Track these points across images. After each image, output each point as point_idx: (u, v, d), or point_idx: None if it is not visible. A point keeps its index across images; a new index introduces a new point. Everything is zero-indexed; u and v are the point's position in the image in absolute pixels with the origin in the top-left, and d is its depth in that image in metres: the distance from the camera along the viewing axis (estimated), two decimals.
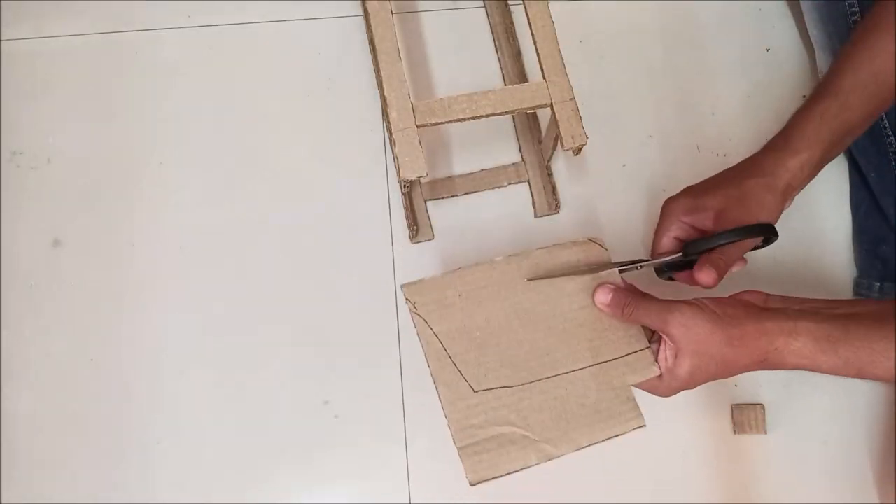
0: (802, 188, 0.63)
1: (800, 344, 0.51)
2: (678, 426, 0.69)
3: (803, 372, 0.62)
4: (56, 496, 0.64)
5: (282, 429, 0.67)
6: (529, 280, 0.58)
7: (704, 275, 0.57)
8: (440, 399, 0.56)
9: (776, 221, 0.61)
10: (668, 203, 0.63)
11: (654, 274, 0.65)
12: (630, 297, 0.56)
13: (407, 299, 0.57)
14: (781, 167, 0.61)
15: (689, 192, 0.63)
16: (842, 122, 0.60)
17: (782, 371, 0.70)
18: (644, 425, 0.55)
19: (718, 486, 0.68)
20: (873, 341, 0.51)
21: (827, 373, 0.52)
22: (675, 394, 0.56)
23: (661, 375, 0.55)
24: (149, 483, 0.65)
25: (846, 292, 0.74)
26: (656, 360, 0.56)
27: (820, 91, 0.62)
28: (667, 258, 0.61)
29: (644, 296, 0.57)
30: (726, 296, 0.56)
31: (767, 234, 0.59)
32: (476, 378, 0.56)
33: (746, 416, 0.68)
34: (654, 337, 0.57)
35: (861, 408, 0.70)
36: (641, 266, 0.61)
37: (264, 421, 0.67)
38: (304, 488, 0.66)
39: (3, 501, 0.64)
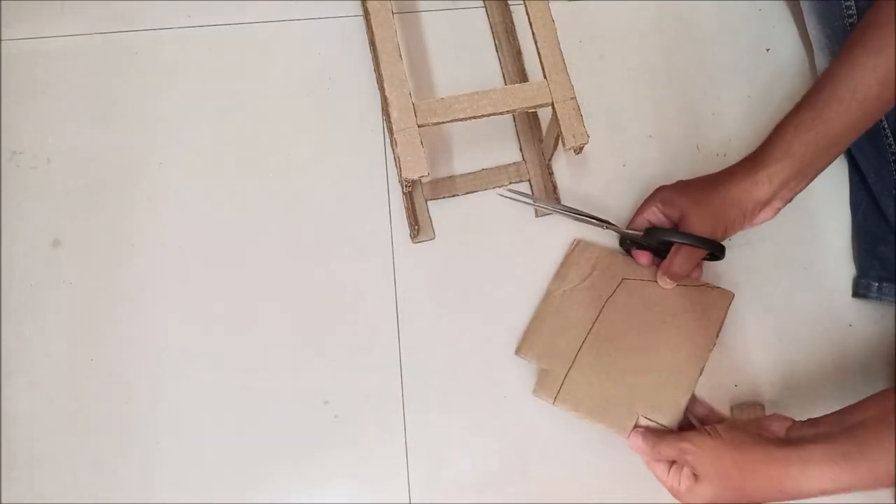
0: (786, 199, 0.64)
1: (814, 469, 0.51)
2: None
3: (803, 372, 0.63)
4: (56, 496, 0.64)
5: (282, 429, 0.67)
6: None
7: (642, 256, 0.69)
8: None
9: (739, 230, 0.66)
10: (657, 189, 0.68)
11: (618, 243, 0.72)
12: (656, 436, 0.60)
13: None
14: (749, 181, 0.63)
15: (676, 185, 0.68)
16: (817, 135, 0.60)
17: (783, 371, 0.70)
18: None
19: None
20: (890, 449, 0.49)
21: (852, 490, 0.51)
22: None
23: (681, 492, 0.58)
24: (149, 483, 0.65)
25: (846, 292, 0.74)
26: (680, 476, 0.58)
27: (798, 104, 0.63)
28: (629, 232, 0.68)
29: (664, 433, 0.61)
30: (756, 419, 0.60)
31: (713, 250, 0.66)
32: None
33: (746, 416, 0.68)
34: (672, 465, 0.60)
35: None
36: (607, 227, 0.70)
37: (264, 421, 0.67)
38: (304, 488, 0.65)
39: (3, 501, 0.63)
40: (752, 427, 0.56)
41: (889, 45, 0.57)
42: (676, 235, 0.65)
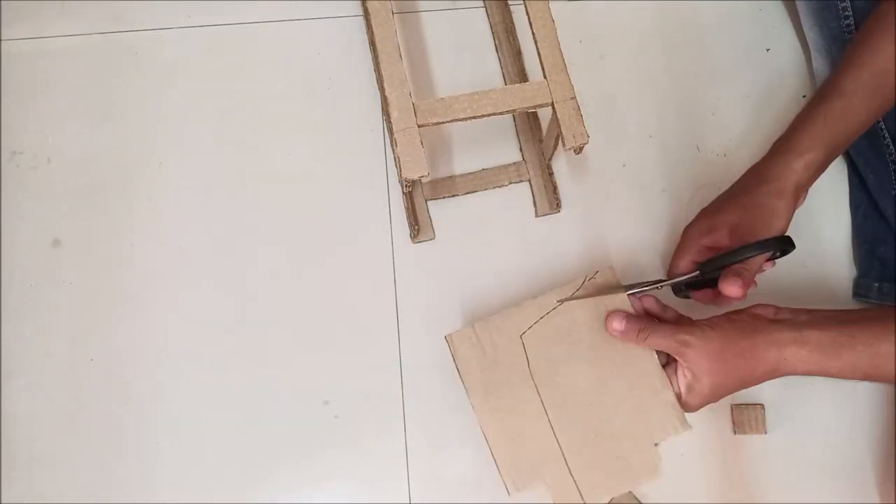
0: (810, 186, 0.64)
1: (806, 352, 0.54)
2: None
3: (790, 375, 0.62)
4: (56, 496, 0.64)
5: (282, 429, 0.67)
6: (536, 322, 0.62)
7: (730, 287, 0.58)
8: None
9: (788, 225, 0.62)
10: (687, 229, 0.65)
11: (672, 294, 0.67)
12: (643, 321, 0.59)
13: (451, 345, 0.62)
14: (787, 170, 0.61)
15: (703, 214, 0.65)
16: (845, 123, 0.61)
17: None
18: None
19: (718, 486, 0.68)
20: (877, 345, 0.53)
21: (835, 376, 0.55)
22: (700, 408, 0.58)
23: (681, 394, 0.58)
24: (149, 483, 0.65)
25: (846, 292, 0.74)
26: (676, 379, 0.58)
27: (823, 92, 0.63)
28: (684, 277, 0.63)
29: (656, 320, 0.60)
30: (738, 309, 0.58)
31: (783, 246, 0.60)
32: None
33: (746, 416, 0.68)
34: (669, 358, 0.60)
35: (861, 408, 0.70)
36: (662, 286, 0.63)
37: (264, 421, 0.67)
38: (304, 488, 0.65)
39: (3, 501, 0.63)
40: (742, 315, 0.57)
41: None
42: (740, 253, 0.59)
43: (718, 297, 0.62)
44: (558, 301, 0.62)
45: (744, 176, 0.65)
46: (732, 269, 0.59)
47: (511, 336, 0.62)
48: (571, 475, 0.59)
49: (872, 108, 0.61)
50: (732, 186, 0.66)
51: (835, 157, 0.63)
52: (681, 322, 0.60)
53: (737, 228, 0.61)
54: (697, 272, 0.62)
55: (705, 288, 0.64)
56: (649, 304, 0.62)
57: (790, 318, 0.57)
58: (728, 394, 0.57)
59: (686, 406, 0.59)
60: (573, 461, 0.59)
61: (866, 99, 0.60)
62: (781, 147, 0.63)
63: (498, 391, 0.60)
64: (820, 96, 0.63)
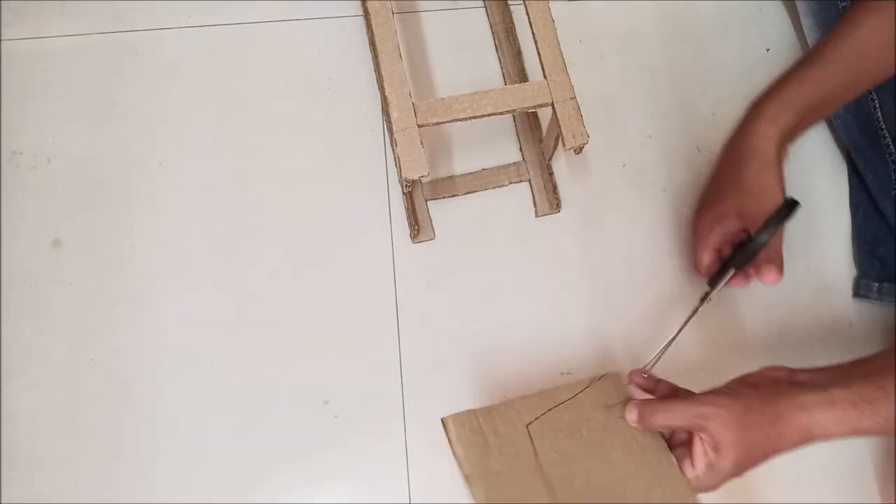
0: (790, 145, 0.64)
1: (840, 412, 0.51)
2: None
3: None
4: (56, 496, 0.64)
5: (282, 429, 0.67)
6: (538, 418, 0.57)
7: (769, 275, 0.61)
8: None
9: (784, 186, 0.62)
10: (697, 226, 0.65)
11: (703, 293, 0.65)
12: (655, 405, 0.55)
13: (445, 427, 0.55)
14: (764, 140, 0.62)
15: (706, 205, 0.66)
16: (819, 89, 0.61)
17: None
18: None
19: None
20: None
21: (873, 434, 0.52)
22: (721, 486, 0.54)
23: (700, 477, 0.54)
24: (149, 483, 0.65)
25: (846, 292, 0.74)
26: (692, 458, 0.54)
27: (801, 60, 0.63)
28: (724, 280, 0.63)
29: (668, 400, 0.56)
30: (751, 373, 0.56)
31: (791, 210, 0.60)
32: None
33: None
34: (675, 447, 0.56)
35: None
36: (710, 299, 0.63)
37: (264, 421, 0.67)
38: (304, 488, 0.65)
39: (3, 501, 0.63)
40: (760, 380, 0.54)
41: (890, 6, 0.58)
42: (761, 237, 0.59)
43: (749, 278, 0.63)
44: (566, 398, 0.58)
45: (726, 151, 0.65)
46: (764, 258, 0.60)
47: (516, 425, 0.55)
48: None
49: (849, 79, 0.61)
50: (719, 167, 0.66)
51: (811, 123, 0.63)
52: (681, 394, 0.57)
53: (741, 213, 0.62)
54: (733, 271, 0.63)
55: (735, 276, 0.64)
56: (639, 382, 0.60)
57: (810, 379, 0.53)
58: (753, 467, 0.53)
59: (705, 487, 0.54)
60: None
61: (843, 70, 0.60)
62: (753, 115, 0.64)
63: (502, 483, 0.52)
64: (797, 63, 0.64)
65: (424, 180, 0.71)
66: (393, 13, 0.61)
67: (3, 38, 0.75)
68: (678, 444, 0.56)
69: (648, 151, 0.76)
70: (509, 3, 0.79)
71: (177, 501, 0.64)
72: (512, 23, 0.78)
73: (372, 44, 0.75)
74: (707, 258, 0.64)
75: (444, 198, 0.73)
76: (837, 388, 0.51)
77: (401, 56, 0.60)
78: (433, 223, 0.72)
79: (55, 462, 0.65)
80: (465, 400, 0.68)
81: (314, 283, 0.70)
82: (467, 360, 0.69)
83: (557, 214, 0.73)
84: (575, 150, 0.61)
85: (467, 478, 0.52)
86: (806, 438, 0.52)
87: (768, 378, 0.54)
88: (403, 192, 0.69)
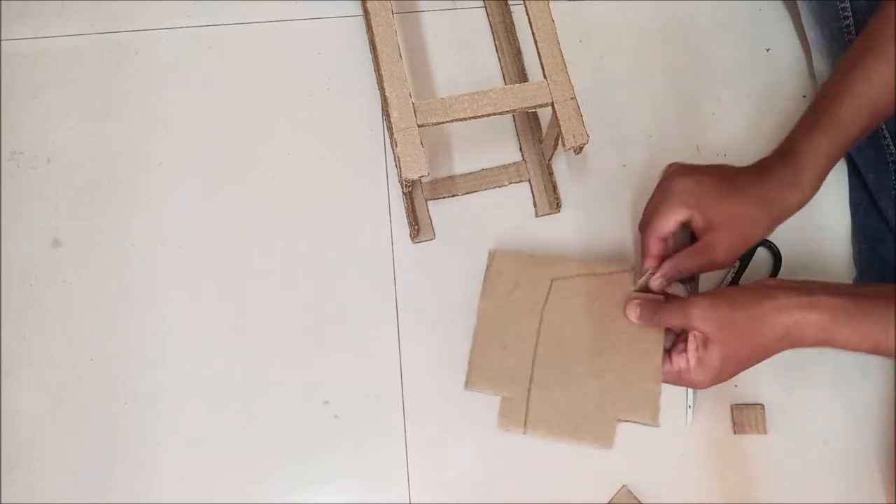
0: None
1: (816, 316, 0.53)
2: (678, 426, 0.69)
3: (803, 371, 0.63)
4: (56, 496, 0.64)
5: (282, 429, 0.67)
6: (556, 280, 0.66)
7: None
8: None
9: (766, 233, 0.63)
10: (675, 185, 0.62)
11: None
12: (655, 304, 0.60)
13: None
14: (788, 201, 0.61)
15: (696, 180, 0.62)
16: (842, 149, 0.60)
17: (783, 371, 0.70)
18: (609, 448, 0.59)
19: (718, 486, 0.68)
20: (888, 316, 0.52)
21: (842, 347, 0.54)
22: (711, 385, 0.58)
23: (690, 369, 0.58)
24: (148, 483, 0.65)
25: None
26: (687, 352, 0.58)
27: (821, 121, 0.60)
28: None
29: (665, 299, 0.61)
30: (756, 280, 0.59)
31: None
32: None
33: (746, 416, 0.68)
34: (681, 335, 0.60)
35: (862, 407, 0.70)
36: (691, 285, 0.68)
37: (264, 421, 0.67)
38: (303, 488, 0.65)
39: (3, 501, 0.63)
40: (749, 284, 0.58)
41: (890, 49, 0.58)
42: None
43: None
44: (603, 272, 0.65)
45: (744, 175, 0.62)
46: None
47: (543, 277, 0.65)
48: (527, 402, 0.60)
49: (867, 128, 0.60)
50: (728, 184, 0.62)
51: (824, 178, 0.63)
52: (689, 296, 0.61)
53: (714, 236, 0.61)
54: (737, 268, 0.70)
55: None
56: (656, 285, 0.62)
57: (799, 286, 0.56)
58: (739, 367, 0.56)
59: (695, 383, 0.58)
60: (535, 393, 0.61)
61: (862, 124, 0.60)
62: (786, 177, 0.61)
63: (506, 309, 0.64)
64: (819, 125, 0.60)
65: (424, 180, 0.71)
66: (393, 13, 0.61)
67: (3, 38, 0.75)
68: (681, 339, 0.60)
69: (648, 151, 0.76)
70: (509, 3, 0.79)
71: (177, 501, 0.64)
72: (512, 23, 0.78)
73: (372, 44, 0.75)
74: (666, 225, 0.62)
75: (444, 198, 0.73)
76: (823, 296, 0.54)
77: (401, 56, 0.60)
78: (433, 223, 0.72)
79: (55, 462, 0.65)
80: (465, 399, 0.68)
81: (314, 283, 0.70)
82: (468, 360, 0.68)
83: (557, 214, 0.73)
84: (575, 150, 0.61)
85: (483, 294, 0.66)
86: (784, 338, 0.55)
87: (759, 284, 0.57)
88: (403, 192, 0.69)
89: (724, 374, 0.57)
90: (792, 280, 0.58)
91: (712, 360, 0.56)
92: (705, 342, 0.56)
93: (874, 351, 0.54)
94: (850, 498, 0.68)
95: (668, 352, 0.60)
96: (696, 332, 0.56)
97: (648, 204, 0.64)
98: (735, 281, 0.72)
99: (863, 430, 0.69)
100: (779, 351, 0.56)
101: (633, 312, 0.61)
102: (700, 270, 0.62)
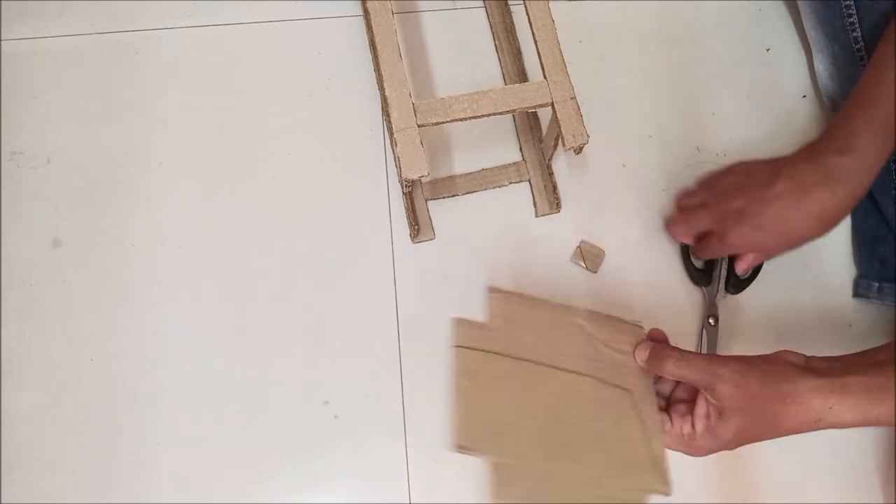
0: None
1: (853, 399, 0.51)
2: None
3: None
4: (56, 496, 0.64)
5: (282, 429, 0.67)
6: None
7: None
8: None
9: None
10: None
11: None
12: (672, 350, 0.55)
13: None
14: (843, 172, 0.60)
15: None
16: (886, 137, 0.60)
17: None
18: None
19: (719, 485, 0.68)
20: None
21: (886, 424, 0.52)
22: (709, 454, 0.54)
23: (696, 436, 0.54)
24: (148, 483, 0.65)
25: (846, 292, 0.74)
26: (693, 416, 0.54)
27: (865, 98, 0.60)
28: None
29: (684, 351, 0.55)
30: (766, 354, 0.55)
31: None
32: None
33: None
34: (673, 405, 0.56)
35: None
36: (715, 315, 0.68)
37: (264, 421, 0.67)
38: (304, 488, 0.65)
39: (3, 501, 0.63)
40: (776, 358, 0.53)
41: None
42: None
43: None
44: (584, 321, 0.59)
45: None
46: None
47: (529, 323, 0.58)
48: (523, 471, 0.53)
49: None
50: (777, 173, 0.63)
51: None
52: (715, 354, 0.58)
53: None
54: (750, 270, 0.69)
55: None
56: (659, 336, 0.59)
57: (825, 366, 0.53)
58: (751, 441, 0.53)
59: (695, 449, 0.55)
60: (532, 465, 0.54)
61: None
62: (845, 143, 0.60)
63: (499, 364, 0.56)
64: (863, 102, 0.60)
65: (424, 180, 0.71)
66: (393, 13, 0.61)
67: (3, 38, 0.75)
68: (676, 401, 0.56)
69: (648, 151, 0.76)
70: (509, 3, 0.79)
71: (177, 501, 0.64)
72: (512, 23, 0.78)
73: (372, 44, 0.75)
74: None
75: (444, 198, 0.73)
76: (852, 377, 0.51)
77: (401, 56, 0.60)
78: (433, 223, 0.72)
79: (55, 462, 0.65)
80: None
81: (314, 283, 0.70)
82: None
83: (557, 214, 0.73)
84: (575, 150, 0.61)
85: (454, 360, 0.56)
86: (814, 423, 0.51)
87: (784, 360, 0.54)
88: (403, 192, 0.69)
89: (732, 445, 0.53)
90: (815, 357, 0.54)
91: (726, 433, 0.52)
92: (721, 410, 0.52)
93: None
94: (850, 498, 0.68)
95: (665, 410, 0.56)
96: (712, 397, 0.52)
97: None
98: (729, 275, 0.71)
99: (863, 431, 0.69)
100: (808, 431, 0.52)
101: (642, 354, 0.56)
102: None
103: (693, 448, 0.55)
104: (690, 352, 0.55)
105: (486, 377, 0.55)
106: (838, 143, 0.61)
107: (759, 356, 0.54)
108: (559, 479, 0.53)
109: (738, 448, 0.54)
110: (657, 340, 0.59)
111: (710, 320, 0.70)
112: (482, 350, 0.56)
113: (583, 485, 0.54)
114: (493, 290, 0.58)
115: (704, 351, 0.70)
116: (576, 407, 0.56)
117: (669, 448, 0.56)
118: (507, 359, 0.56)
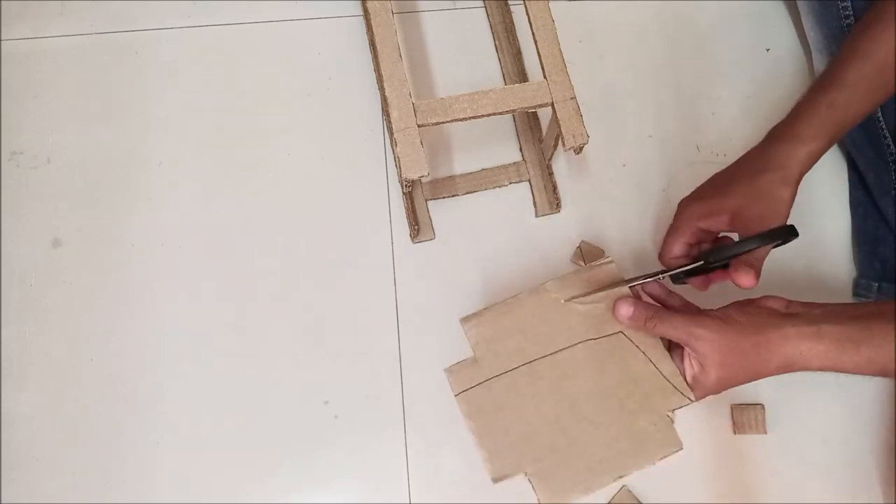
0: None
1: (823, 347, 0.53)
2: (678, 426, 0.68)
3: (803, 372, 0.62)
4: (56, 496, 0.64)
5: (282, 429, 0.67)
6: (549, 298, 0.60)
7: (744, 278, 0.58)
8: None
9: (789, 213, 0.61)
10: (683, 209, 0.63)
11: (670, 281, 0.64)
12: (652, 309, 0.57)
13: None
14: (793, 159, 0.60)
15: (701, 195, 0.63)
16: (847, 113, 0.60)
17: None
18: (681, 448, 0.57)
19: (718, 486, 0.68)
20: (891, 343, 0.52)
21: (851, 372, 0.53)
22: (702, 398, 0.57)
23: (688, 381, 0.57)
24: (148, 483, 0.65)
25: (846, 292, 0.74)
26: (682, 367, 0.57)
27: (825, 82, 0.62)
28: (688, 266, 0.61)
29: (665, 309, 0.58)
30: (748, 299, 0.57)
31: (789, 236, 0.59)
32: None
33: (746, 416, 0.68)
34: (673, 347, 0.59)
35: (862, 407, 0.70)
36: (664, 277, 0.61)
37: (264, 421, 0.67)
38: (304, 488, 0.65)
39: (3, 501, 0.63)
40: (754, 308, 0.56)
41: None
42: (747, 244, 0.58)
43: (710, 283, 0.63)
44: (564, 300, 0.60)
45: (742, 161, 0.64)
46: (744, 260, 0.59)
47: (508, 330, 0.59)
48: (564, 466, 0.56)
49: (874, 99, 0.61)
50: (729, 171, 0.64)
51: (831, 146, 0.63)
52: (689, 310, 0.60)
53: (739, 215, 0.60)
54: (701, 262, 0.60)
55: (701, 274, 0.63)
56: (653, 289, 0.61)
57: (803, 311, 0.55)
58: (733, 386, 0.56)
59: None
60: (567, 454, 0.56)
61: (868, 91, 0.60)
62: (784, 134, 0.62)
63: (490, 385, 0.58)
64: (821, 86, 0.62)
65: (424, 180, 0.71)
66: (393, 13, 0.61)
67: (2, 38, 0.75)
68: (675, 346, 0.59)
69: (648, 151, 0.76)
70: (509, 3, 0.79)
71: (177, 501, 0.64)
72: (512, 23, 0.78)
73: (372, 44, 0.75)
74: (676, 248, 0.63)
75: (444, 198, 0.73)
76: (828, 324, 0.53)
77: (401, 56, 0.60)
78: (433, 223, 0.72)
79: (55, 462, 0.65)
80: None
81: (314, 283, 0.70)
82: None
83: (557, 214, 0.73)
84: (575, 150, 0.61)
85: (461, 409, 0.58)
86: (787, 367, 0.54)
87: (764, 306, 0.56)
88: (403, 192, 0.69)
89: (717, 391, 0.56)
90: (796, 302, 0.56)
91: (707, 381, 0.55)
92: (702, 363, 0.55)
93: (880, 374, 0.53)
94: (849, 498, 0.68)
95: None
96: (694, 352, 0.55)
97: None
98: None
99: (863, 430, 0.69)
100: (781, 373, 0.55)
101: (625, 311, 0.58)
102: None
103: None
104: (670, 311, 0.57)
105: (491, 406, 0.57)
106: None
107: (739, 305, 0.56)
108: (590, 452, 0.56)
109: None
110: (651, 293, 0.61)
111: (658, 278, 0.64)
112: (480, 384, 0.58)
113: (616, 441, 0.56)
114: (464, 320, 0.59)
115: None
116: (580, 377, 0.58)
117: None
118: (504, 376, 0.58)
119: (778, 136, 0.63)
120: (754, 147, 0.64)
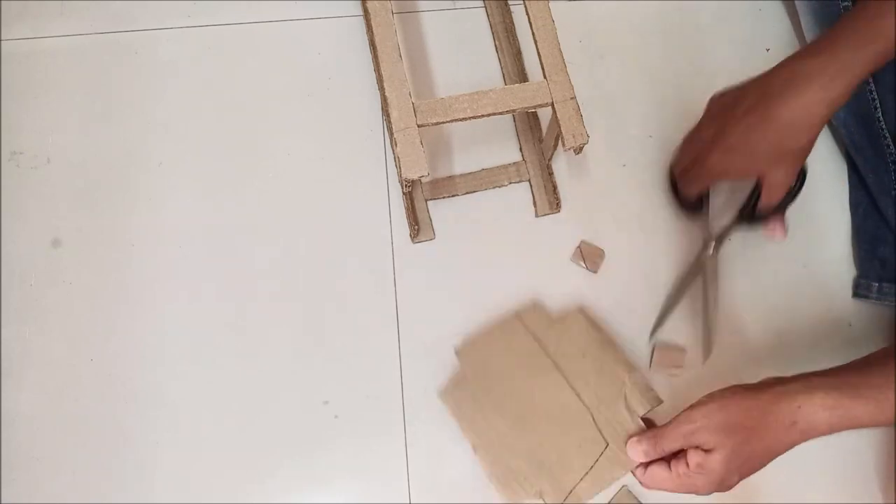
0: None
1: (820, 395, 0.52)
2: None
3: (802, 372, 0.62)
4: (56, 496, 0.64)
5: (282, 429, 0.67)
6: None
7: (780, 232, 0.68)
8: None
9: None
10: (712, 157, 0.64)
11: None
12: (653, 435, 0.58)
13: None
14: (816, 105, 0.57)
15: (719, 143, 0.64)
16: (866, 67, 0.56)
17: (782, 372, 0.70)
18: None
19: None
20: (891, 375, 0.51)
21: (867, 423, 0.52)
22: (716, 491, 0.56)
23: (690, 473, 0.55)
24: (148, 483, 0.65)
25: (846, 292, 0.74)
26: (686, 456, 0.56)
27: (841, 30, 0.57)
28: (733, 228, 0.69)
29: (653, 431, 0.59)
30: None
31: (802, 179, 0.66)
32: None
33: None
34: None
35: None
36: (711, 243, 0.69)
37: (264, 421, 0.67)
38: (304, 488, 0.65)
39: (3, 501, 0.63)
40: (741, 385, 0.56)
41: None
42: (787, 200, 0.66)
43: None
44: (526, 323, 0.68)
45: (759, 109, 0.60)
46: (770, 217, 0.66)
47: (490, 353, 0.67)
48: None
49: (884, 56, 0.56)
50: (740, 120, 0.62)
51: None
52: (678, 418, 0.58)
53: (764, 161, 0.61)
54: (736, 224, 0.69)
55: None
56: (642, 451, 0.60)
57: (795, 376, 0.55)
58: (746, 468, 0.55)
59: (698, 487, 0.56)
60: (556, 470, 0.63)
61: (884, 45, 0.55)
62: (803, 77, 0.57)
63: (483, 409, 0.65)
64: (837, 34, 0.57)
65: (424, 180, 0.71)
66: (393, 13, 0.61)
67: (2, 38, 0.75)
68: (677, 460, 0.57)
69: (648, 151, 0.76)
70: (509, 3, 0.79)
71: (177, 501, 0.64)
72: (512, 23, 0.78)
73: (372, 44, 0.75)
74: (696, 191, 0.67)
75: (444, 198, 0.73)
76: (819, 377, 0.53)
77: (401, 56, 0.60)
78: (433, 223, 0.72)
79: (55, 462, 0.65)
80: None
81: (314, 283, 0.70)
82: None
83: (557, 214, 0.73)
84: (575, 150, 0.61)
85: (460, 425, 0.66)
86: (792, 426, 0.53)
87: (756, 385, 0.56)
88: (403, 192, 0.69)
89: (727, 478, 0.54)
90: (793, 376, 0.56)
91: (715, 466, 0.53)
92: (706, 450, 0.54)
93: (881, 419, 0.51)
94: (849, 498, 0.68)
95: (665, 461, 0.58)
96: (698, 437, 0.54)
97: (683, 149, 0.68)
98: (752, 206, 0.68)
99: (863, 431, 0.69)
100: (791, 443, 0.53)
101: (638, 452, 0.59)
102: None
103: (691, 486, 0.56)
104: (658, 428, 0.58)
105: (493, 435, 0.64)
106: (814, 46, 0.58)
107: (727, 388, 0.56)
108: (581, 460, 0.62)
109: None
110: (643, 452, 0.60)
111: (710, 250, 0.69)
112: (472, 408, 0.65)
113: (594, 442, 0.62)
114: (458, 351, 0.68)
115: (707, 288, 0.70)
116: (556, 398, 0.64)
117: (677, 491, 0.57)
118: (494, 409, 0.65)
119: (796, 81, 0.58)
120: (770, 82, 0.60)
